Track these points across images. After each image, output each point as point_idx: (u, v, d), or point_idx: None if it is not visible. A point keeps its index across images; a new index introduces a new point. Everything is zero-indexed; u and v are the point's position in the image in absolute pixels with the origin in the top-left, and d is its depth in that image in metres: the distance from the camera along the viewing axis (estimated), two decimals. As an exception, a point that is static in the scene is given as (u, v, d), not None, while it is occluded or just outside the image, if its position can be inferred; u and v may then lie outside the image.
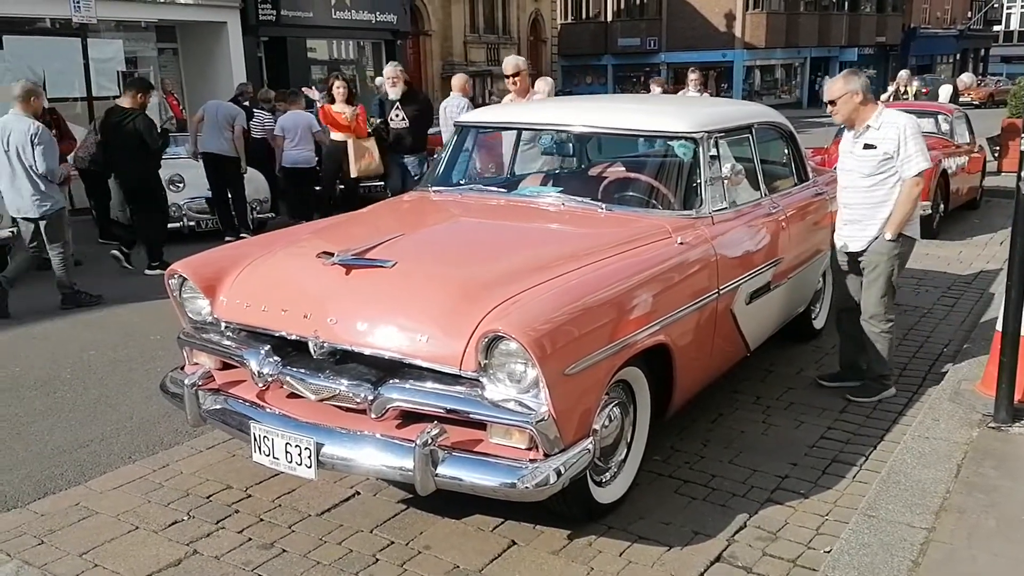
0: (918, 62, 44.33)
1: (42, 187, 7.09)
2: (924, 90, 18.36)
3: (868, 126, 4.62)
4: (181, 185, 10.32)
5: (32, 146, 6.93)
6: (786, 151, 5.55)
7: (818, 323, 6.02)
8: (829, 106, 4.74)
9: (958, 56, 58.09)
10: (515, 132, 5.37)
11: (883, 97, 16.15)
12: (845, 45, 45.64)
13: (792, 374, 5.36)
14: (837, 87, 4.69)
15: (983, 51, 62.79)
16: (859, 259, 4.78)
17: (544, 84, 8.51)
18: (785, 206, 5.00)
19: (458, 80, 9.87)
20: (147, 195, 8.68)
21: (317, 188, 11.00)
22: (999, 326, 4.34)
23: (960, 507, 3.46)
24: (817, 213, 5.43)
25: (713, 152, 4.41)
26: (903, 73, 17.22)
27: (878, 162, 4.58)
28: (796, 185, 5.42)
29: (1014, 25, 67.27)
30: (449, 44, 28.65)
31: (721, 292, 4.11)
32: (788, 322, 5.42)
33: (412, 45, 27.04)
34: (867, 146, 4.61)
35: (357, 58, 25.31)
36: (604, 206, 4.33)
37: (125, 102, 8.43)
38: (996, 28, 64.39)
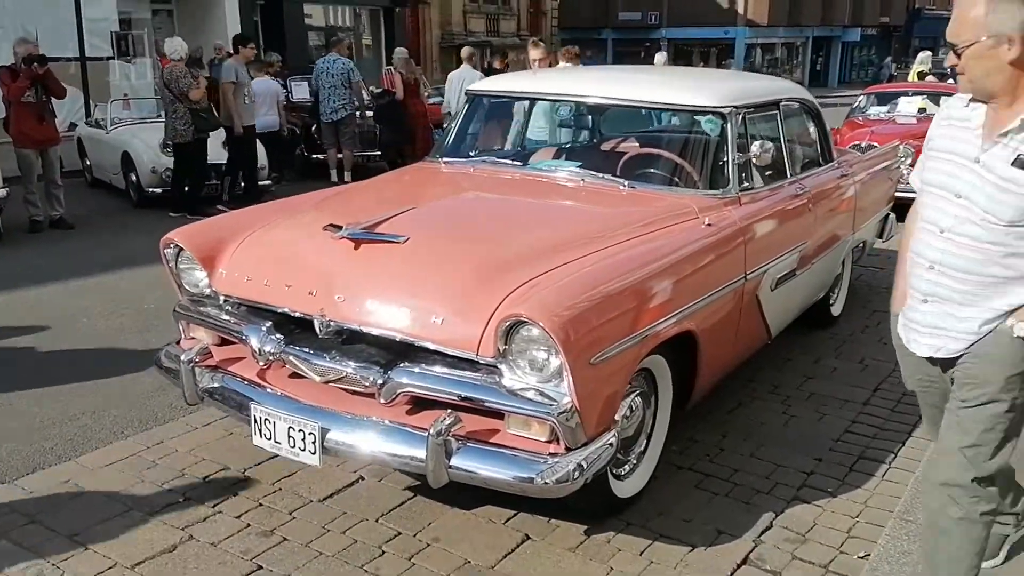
0: (921, 43, 43.88)
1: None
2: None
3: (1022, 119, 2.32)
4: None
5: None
6: (812, 129, 5.31)
7: (836, 309, 5.83)
8: (951, 58, 2.47)
9: (961, 38, 57.65)
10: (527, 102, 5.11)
11: (909, 78, 15.98)
12: (848, 25, 45.21)
13: (810, 362, 5.17)
14: (976, 11, 2.37)
15: (987, 34, 62.37)
16: (950, 370, 2.56)
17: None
18: (811, 188, 4.77)
19: (465, 52, 11.34)
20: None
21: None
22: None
23: (999, 510, 3.28)
24: (842, 196, 5.21)
25: (741, 128, 4.19)
26: (925, 54, 17.00)
27: None
28: (821, 166, 5.20)
29: (1018, 8, 66.94)
30: (448, 14, 28.21)
31: (748, 277, 3.91)
32: (807, 308, 5.22)
33: (411, 14, 26.61)
34: (1020, 162, 2.32)
35: (354, 26, 24.93)
36: (626, 183, 4.10)
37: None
38: (1001, 10, 64.04)
